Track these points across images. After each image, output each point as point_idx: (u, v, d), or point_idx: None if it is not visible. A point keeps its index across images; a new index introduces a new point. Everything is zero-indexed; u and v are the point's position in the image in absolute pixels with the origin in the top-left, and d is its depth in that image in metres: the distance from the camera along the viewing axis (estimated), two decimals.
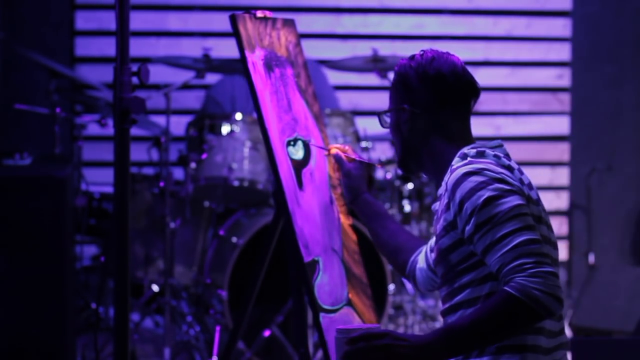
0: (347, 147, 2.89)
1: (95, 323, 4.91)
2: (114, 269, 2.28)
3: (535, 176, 6.26)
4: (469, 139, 2.54)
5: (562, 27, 6.66)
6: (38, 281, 3.85)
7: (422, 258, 2.74)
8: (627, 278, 5.46)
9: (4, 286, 3.83)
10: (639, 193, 6.63)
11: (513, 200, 2.32)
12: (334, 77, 5.93)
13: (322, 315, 2.79)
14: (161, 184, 4.81)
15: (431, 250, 2.67)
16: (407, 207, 5.41)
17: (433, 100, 2.52)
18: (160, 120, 5.33)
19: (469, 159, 2.43)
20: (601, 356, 3.04)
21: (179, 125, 5.46)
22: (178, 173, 5.21)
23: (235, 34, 2.83)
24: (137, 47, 5.84)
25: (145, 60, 2.41)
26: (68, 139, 5.64)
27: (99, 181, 5.29)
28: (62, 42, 6.18)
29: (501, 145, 2.51)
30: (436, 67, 2.52)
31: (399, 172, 5.20)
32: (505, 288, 2.23)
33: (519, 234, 2.28)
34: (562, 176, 6.74)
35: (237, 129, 4.92)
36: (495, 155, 2.45)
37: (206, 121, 4.95)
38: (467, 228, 2.34)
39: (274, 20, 3.03)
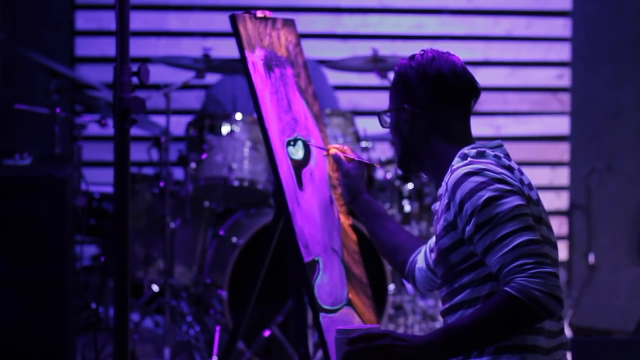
0: (346, 147, 2.89)
1: (95, 323, 4.91)
2: (114, 269, 2.28)
3: (535, 176, 6.27)
4: (469, 139, 2.53)
5: (562, 27, 6.66)
6: (38, 281, 3.85)
7: (422, 258, 2.74)
8: (627, 278, 5.46)
9: (4, 286, 3.83)
10: (639, 193, 6.62)
11: (513, 201, 2.32)
12: (334, 77, 5.93)
13: (322, 315, 2.79)
14: (161, 184, 4.80)
15: (431, 251, 2.67)
16: (407, 207, 5.41)
17: (433, 100, 2.52)
18: (160, 120, 5.33)
19: (469, 159, 2.43)
20: (601, 356, 3.04)
21: (179, 125, 5.46)
22: (178, 173, 5.21)
23: (235, 34, 2.83)
24: (137, 47, 5.84)
25: (145, 60, 2.40)
26: (68, 139, 5.64)
27: (99, 181, 5.29)
28: (62, 42, 6.18)
29: (501, 146, 2.51)
30: (436, 67, 2.52)
31: (399, 172, 5.20)
32: (506, 288, 2.23)
33: (519, 235, 2.28)
34: (562, 176, 6.73)
35: (237, 129, 4.92)
36: (495, 156, 2.45)
37: (206, 121, 4.94)
38: (468, 228, 2.34)
39: (274, 20, 3.03)
